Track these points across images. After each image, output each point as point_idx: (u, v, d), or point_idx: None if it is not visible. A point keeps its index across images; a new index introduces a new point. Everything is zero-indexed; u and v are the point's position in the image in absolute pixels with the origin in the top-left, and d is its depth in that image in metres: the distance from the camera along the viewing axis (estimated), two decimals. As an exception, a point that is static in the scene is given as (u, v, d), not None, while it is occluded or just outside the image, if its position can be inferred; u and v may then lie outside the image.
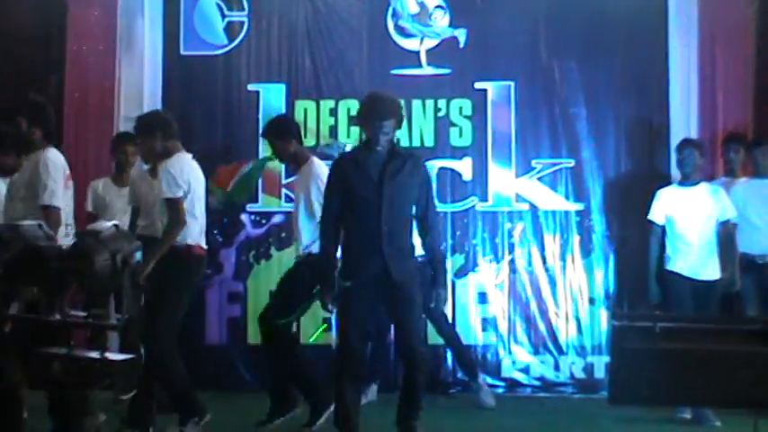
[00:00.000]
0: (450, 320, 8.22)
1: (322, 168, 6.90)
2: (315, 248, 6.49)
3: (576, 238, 8.63)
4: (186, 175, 6.41)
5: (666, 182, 7.79)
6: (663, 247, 7.47)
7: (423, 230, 6.02)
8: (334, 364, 6.11)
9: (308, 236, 6.76)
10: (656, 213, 7.48)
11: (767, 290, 7.51)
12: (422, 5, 8.84)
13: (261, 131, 7.22)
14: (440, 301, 6.02)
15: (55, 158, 6.27)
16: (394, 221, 5.81)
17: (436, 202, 6.24)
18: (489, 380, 8.32)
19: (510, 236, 8.68)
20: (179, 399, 6.33)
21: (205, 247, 6.61)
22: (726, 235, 7.39)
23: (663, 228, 7.46)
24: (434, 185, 7.19)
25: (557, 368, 8.57)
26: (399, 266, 5.82)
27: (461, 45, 8.78)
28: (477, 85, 8.73)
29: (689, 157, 7.44)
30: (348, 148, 7.76)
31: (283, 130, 7.04)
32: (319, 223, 6.30)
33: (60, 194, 6.22)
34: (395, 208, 5.83)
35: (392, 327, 7.51)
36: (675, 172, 8.08)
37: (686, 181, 7.48)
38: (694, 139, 7.88)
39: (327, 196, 6.07)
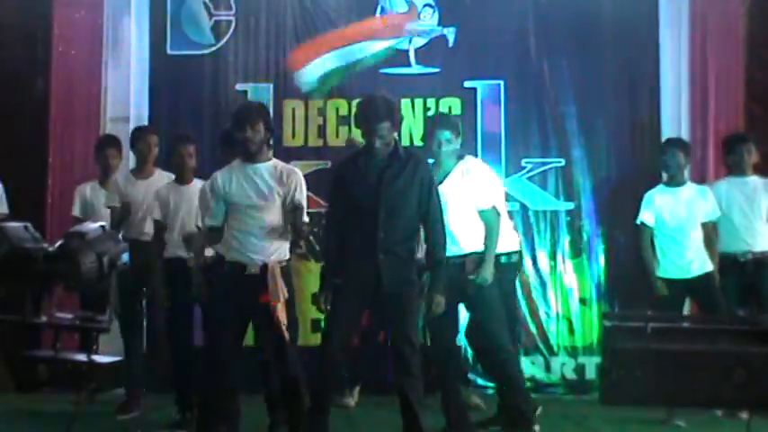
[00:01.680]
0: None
1: None
2: None
3: (566, 238, 8.61)
4: None
5: (657, 181, 7.75)
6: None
7: (425, 233, 5.93)
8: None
9: None
10: (645, 215, 7.46)
11: (749, 287, 7.51)
12: (410, 4, 8.82)
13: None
14: (433, 305, 5.88)
15: None
16: (391, 228, 5.71)
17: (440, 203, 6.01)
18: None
19: (500, 236, 8.64)
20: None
21: None
22: (706, 235, 7.38)
23: (652, 229, 7.45)
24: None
25: (547, 369, 8.55)
26: (392, 274, 5.72)
27: (450, 44, 8.77)
28: (467, 84, 8.72)
29: (672, 158, 7.42)
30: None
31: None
32: (324, 228, 6.27)
33: None
34: (393, 214, 5.72)
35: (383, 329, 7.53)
36: (666, 171, 8.10)
37: (671, 182, 7.47)
38: (678, 138, 7.85)
39: (332, 201, 6.04)
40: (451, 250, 6.17)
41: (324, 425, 5.85)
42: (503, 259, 6.67)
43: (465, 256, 6.35)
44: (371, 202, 5.70)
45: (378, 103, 5.82)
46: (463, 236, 6.37)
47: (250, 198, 5.84)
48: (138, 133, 7.75)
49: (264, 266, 5.79)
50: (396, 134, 5.87)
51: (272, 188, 5.85)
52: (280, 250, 5.87)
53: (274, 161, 6.02)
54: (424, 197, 5.82)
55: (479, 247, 6.40)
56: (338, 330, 5.84)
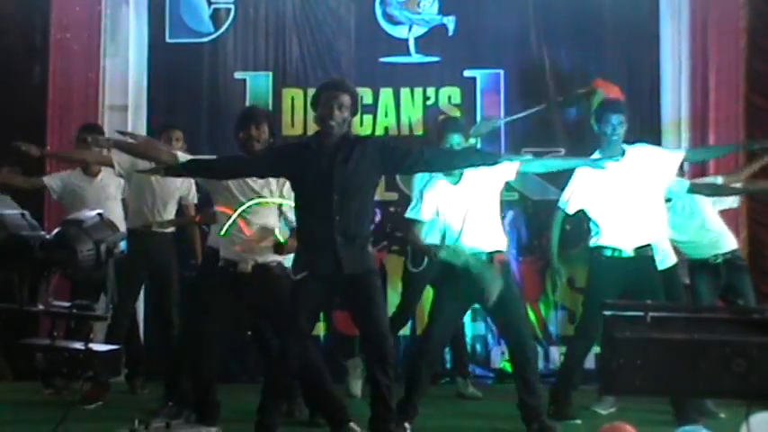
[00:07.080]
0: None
1: None
2: None
3: (565, 227, 8.56)
4: None
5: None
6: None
7: (428, 163, 5.86)
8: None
9: None
10: None
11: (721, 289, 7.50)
12: (410, -7, 8.80)
13: None
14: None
15: None
16: (346, 210, 5.55)
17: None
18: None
19: (499, 225, 8.63)
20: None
21: None
22: None
23: None
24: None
25: (546, 359, 8.54)
26: (352, 257, 5.58)
27: (450, 33, 8.76)
28: (467, 74, 8.71)
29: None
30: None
31: None
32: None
33: None
34: (347, 196, 5.55)
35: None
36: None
37: None
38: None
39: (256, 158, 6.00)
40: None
41: (278, 411, 5.86)
42: None
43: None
44: (325, 185, 5.54)
45: (334, 79, 5.98)
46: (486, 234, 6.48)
47: None
48: (161, 129, 7.81)
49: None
50: (351, 118, 5.71)
51: None
52: None
53: None
54: (396, 155, 5.72)
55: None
56: (295, 327, 5.67)
